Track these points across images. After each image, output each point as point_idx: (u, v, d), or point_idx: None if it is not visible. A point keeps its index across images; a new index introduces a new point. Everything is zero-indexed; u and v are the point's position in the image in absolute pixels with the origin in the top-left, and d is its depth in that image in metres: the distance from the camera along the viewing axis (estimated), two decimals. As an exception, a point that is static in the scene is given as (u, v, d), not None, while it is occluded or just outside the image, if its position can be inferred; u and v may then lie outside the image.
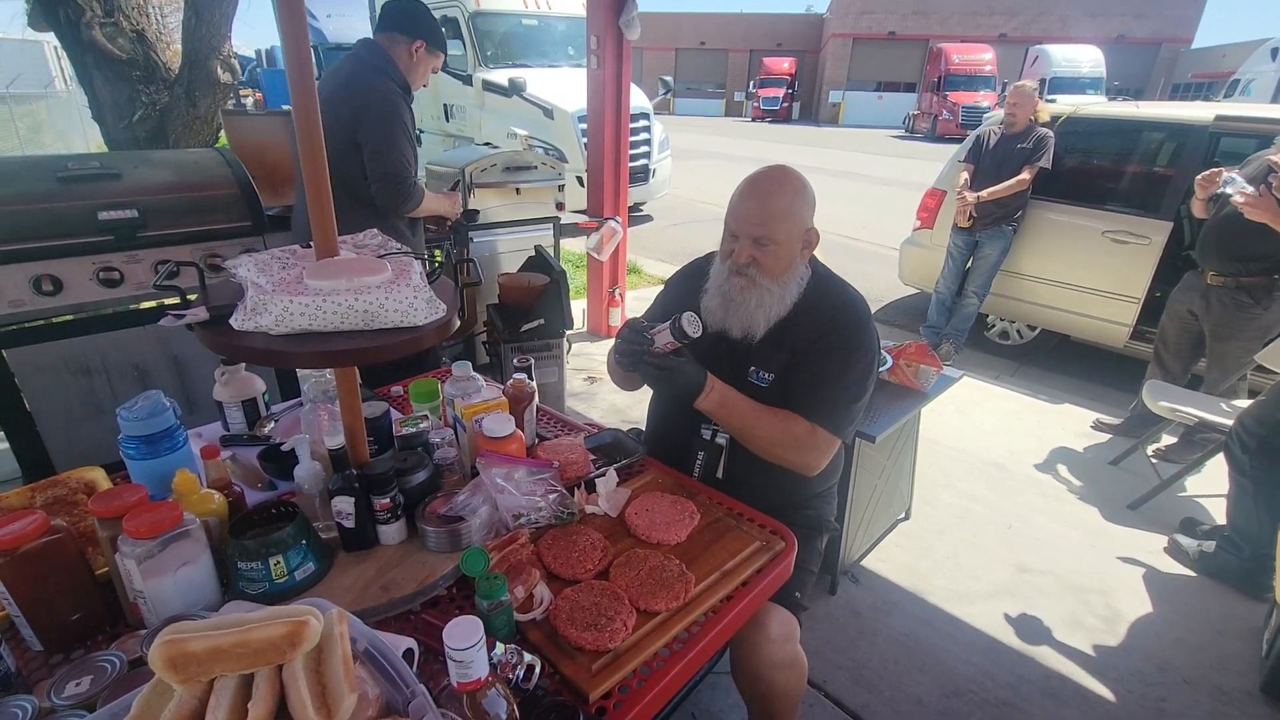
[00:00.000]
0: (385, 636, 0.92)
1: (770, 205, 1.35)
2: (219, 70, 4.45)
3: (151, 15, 4.77)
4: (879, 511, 2.32)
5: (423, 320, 0.94)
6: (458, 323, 1.01)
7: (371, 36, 2.29)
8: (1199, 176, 2.62)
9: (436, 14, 7.81)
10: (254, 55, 16.55)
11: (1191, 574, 2.32)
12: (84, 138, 9.69)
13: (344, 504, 1.09)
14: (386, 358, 0.90)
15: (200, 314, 0.90)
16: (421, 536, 1.15)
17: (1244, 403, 2.50)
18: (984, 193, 3.74)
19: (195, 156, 2.74)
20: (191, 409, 2.43)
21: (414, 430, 1.29)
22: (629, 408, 3.31)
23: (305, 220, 2.46)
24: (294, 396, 1.92)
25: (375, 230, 1.19)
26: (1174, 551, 2.41)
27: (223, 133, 3.64)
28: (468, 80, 7.60)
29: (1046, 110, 3.79)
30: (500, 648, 0.92)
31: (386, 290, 0.91)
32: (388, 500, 1.12)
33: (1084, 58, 20.25)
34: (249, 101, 13.68)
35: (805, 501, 1.55)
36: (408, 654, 0.91)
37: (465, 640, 0.68)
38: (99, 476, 1.33)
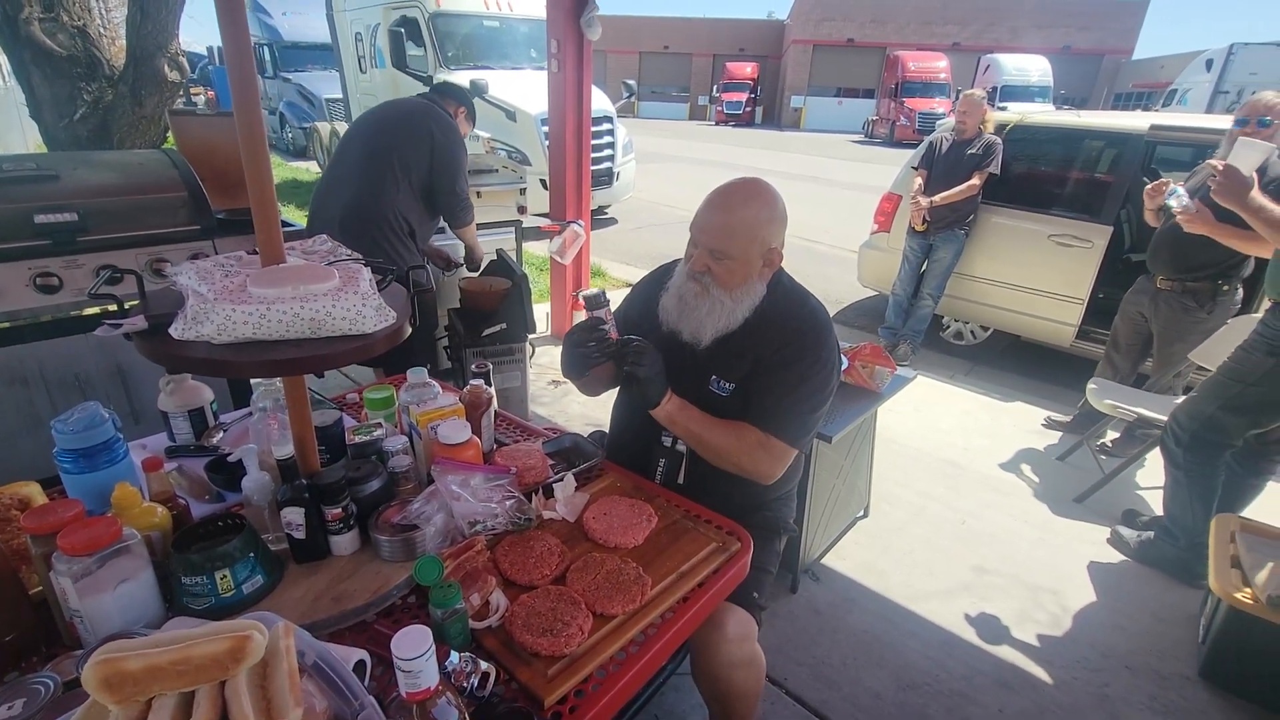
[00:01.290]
0: (336, 649, 0.91)
1: (730, 220, 1.35)
2: (166, 68, 4.30)
3: (95, 10, 4.60)
4: (838, 510, 2.37)
5: (372, 328, 0.93)
6: (409, 330, 1.01)
7: (433, 90, 2.88)
8: (1146, 188, 2.74)
9: (395, 13, 7.77)
10: (206, 53, 16.05)
11: (1132, 563, 2.43)
12: (23, 137, 9.27)
13: (294, 515, 1.07)
14: (334, 366, 0.89)
15: (138, 323, 0.88)
16: (375, 546, 1.13)
17: (1180, 399, 2.62)
18: (936, 198, 3.85)
19: (140, 158, 2.65)
20: (137, 419, 2.34)
21: (367, 438, 1.27)
22: (593, 411, 3.31)
23: (325, 216, 2.49)
24: (247, 405, 1.88)
25: (325, 236, 1.17)
26: (1116, 542, 2.52)
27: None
28: (428, 82, 7.48)
29: (992, 119, 3.92)
30: (455, 656, 0.91)
31: (333, 298, 0.90)
32: (339, 510, 1.10)
33: (1033, 67, 21.04)
34: (200, 100, 13.26)
35: (764, 504, 1.57)
36: (359, 666, 0.90)
37: (413, 650, 0.68)
38: (34, 492, 1.28)
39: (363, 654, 0.92)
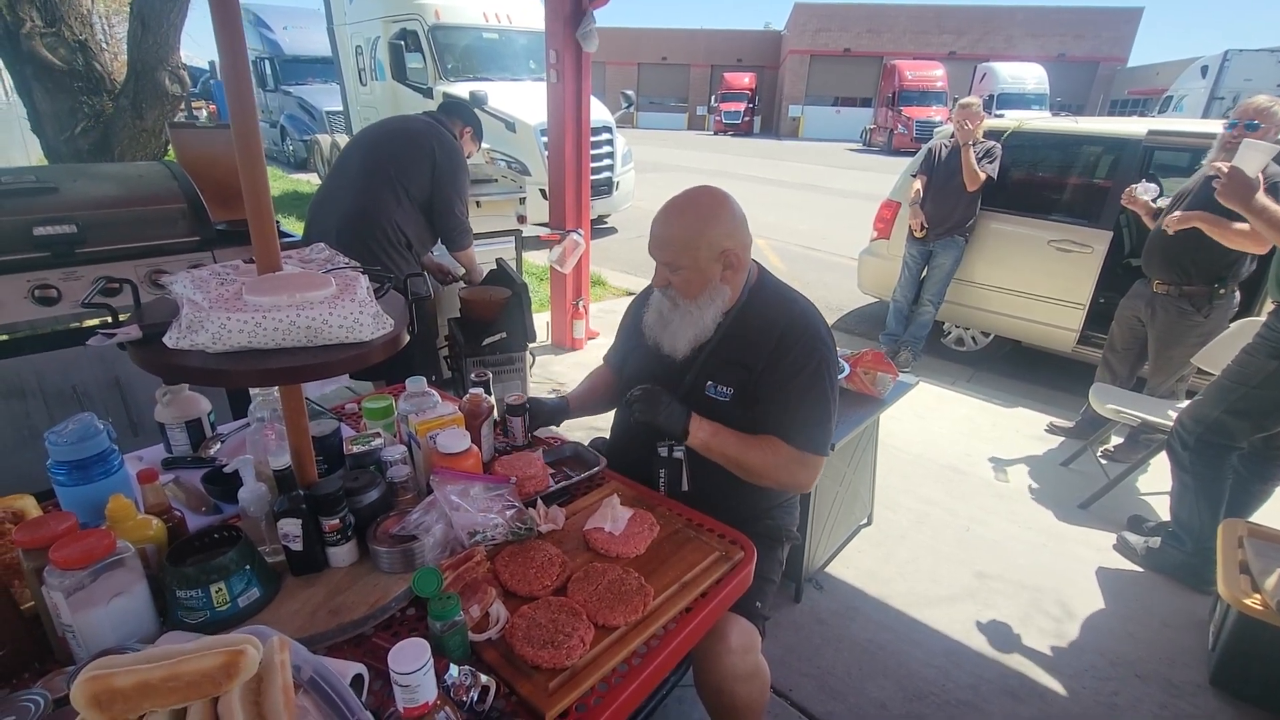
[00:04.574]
0: (333, 663, 0.89)
1: (670, 232, 1.38)
2: (167, 81, 4.32)
3: (96, 25, 4.63)
4: (841, 518, 2.35)
5: (369, 336, 0.92)
6: (406, 338, 1.00)
7: (439, 109, 2.86)
8: (1123, 197, 2.78)
9: (395, 26, 7.83)
10: (207, 67, 16.18)
11: (1139, 569, 2.40)
12: (25, 150, 9.31)
13: (290, 526, 1.05)
14: (331, 375, 0.88)
15: (132, 332, 0.87)
16: (373, 557, 1.12)
17: (1184, 403, 2.60)
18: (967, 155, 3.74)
19: (139, 170, 2.65)
20: (135, 431, 2.33)
21: (365, 448, 1.26)
22: (595, 419, 3.29)
23: (322, 226, 2.49)
24: (246, 416, 1.87)
25: (322, 245, 1.16)
26: (1122, 548, 2.49)
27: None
28: (428, 93, 7.56)
29: (982, 126, 3.92)
30: (455, 669, 0.90)
31: (330, 306, 0.89)
32: (337, 521, 1.09)
33: (1029, 75, 21.14)
34: (203, 114, 13.33)
35: (766, 512, 1.56)
36: (357, 680, 0.89)
37: (410, 664, 0.67)
38: (29, 505, 1.26)
39: (360, 668, 0.90)
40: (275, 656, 0.73)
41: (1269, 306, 2.13)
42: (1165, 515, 2.46)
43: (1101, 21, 26.97)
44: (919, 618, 2.15)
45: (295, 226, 6.48)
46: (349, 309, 0.90)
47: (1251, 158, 2.01)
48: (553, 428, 1.70)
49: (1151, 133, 3.55)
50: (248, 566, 1.01)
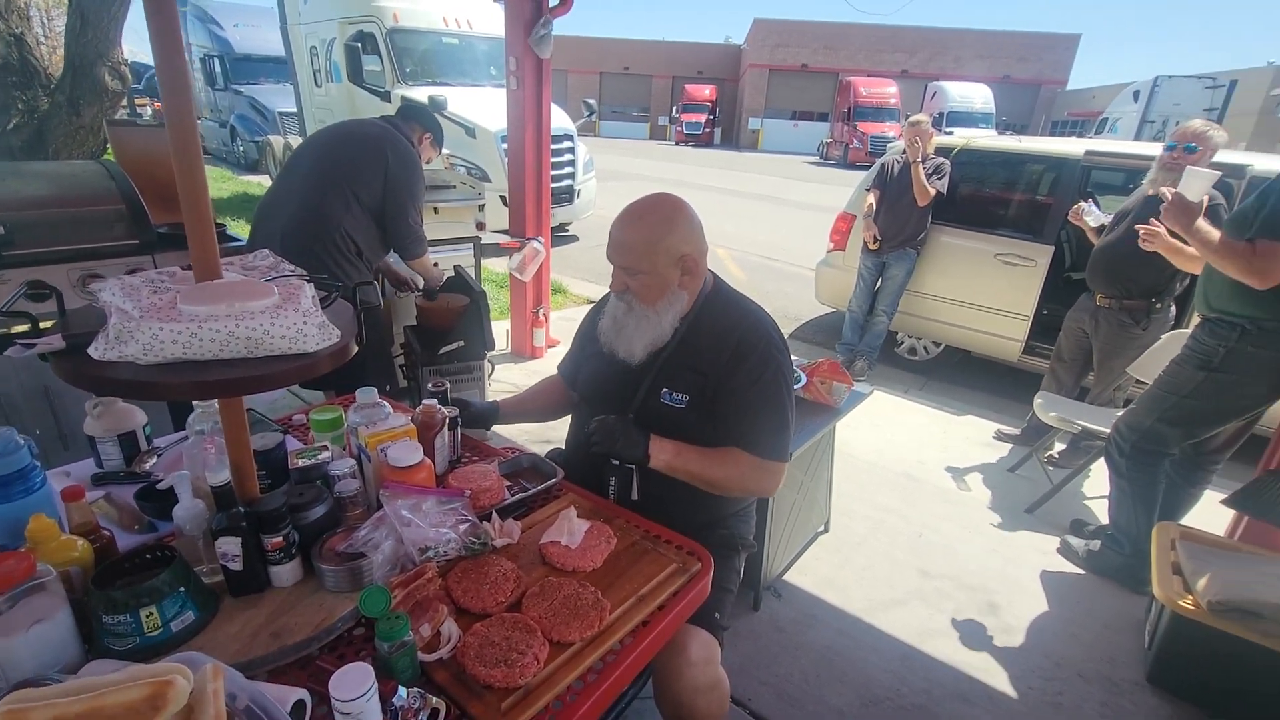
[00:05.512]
0: (274, 689, 0.86)
1: (630, 237, 1.38)
2: (107, 77, 4.14)
3: (34, 18, 4.42)
4: (798, 526, 2.37)
5: (314, 347, 0.88)
6: (355, 349, 0.96)
7: (397, 114, 2.75)
8: (1068, 213, 2.93)
9: (352, 27, 7.68)
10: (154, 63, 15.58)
11: (1081, 572, 2.50)
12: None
13: (229, 545, 1.01)
14: (273, 387, 0.84)
15: (54, 342, 0.82)
16: (319, 576, 1.07)
17: (1122, 411, 2.73)
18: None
19: (74, 168, 2.53)
20: (66, 445, 2.21)
21: (312, 462, 1.21)
22: (555, 431, 3.26)
23: (267, 232, 2.38)
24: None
25: (267, 251, 1.12)
26: (1065, 551, 2.58)
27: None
28: (386, 96, 7.43)
29: (932, 143, 4.06)
30: (403, 691, 0.87)
31: (272, 315, 0.85)
32: (280, 539, 1.04)
33: (976, 95, 22.04)
34: (147, 111, 12.81)
35: (722, 520, 1.56)
36: (298, 707, 0.85)
37: (352, 691, 0.64)
38: (-60, 526, 1.18)
39: (302, 694, 0.86)
40: (208, 685, 0.69)
41: (1195, 320, 2.25)
42: (1105, 519, 2.56)
43: (1043, 45, 28.38)
44: (875, 623, 2.19)
45: (246, 230, 6.27)
46: (292, 319, 0.87)
47: (1194, 184, 2.13)
48: (513, 438, 1.68)
49: (1088, 153, 3.73)
50: (182, 588, 0.96)
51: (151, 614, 0.93)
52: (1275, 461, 2.12)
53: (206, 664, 0.73)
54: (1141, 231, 2.57)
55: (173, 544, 1.06)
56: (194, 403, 1.35)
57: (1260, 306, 2.00)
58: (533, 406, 1.73)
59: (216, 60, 12.65)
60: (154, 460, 1.42)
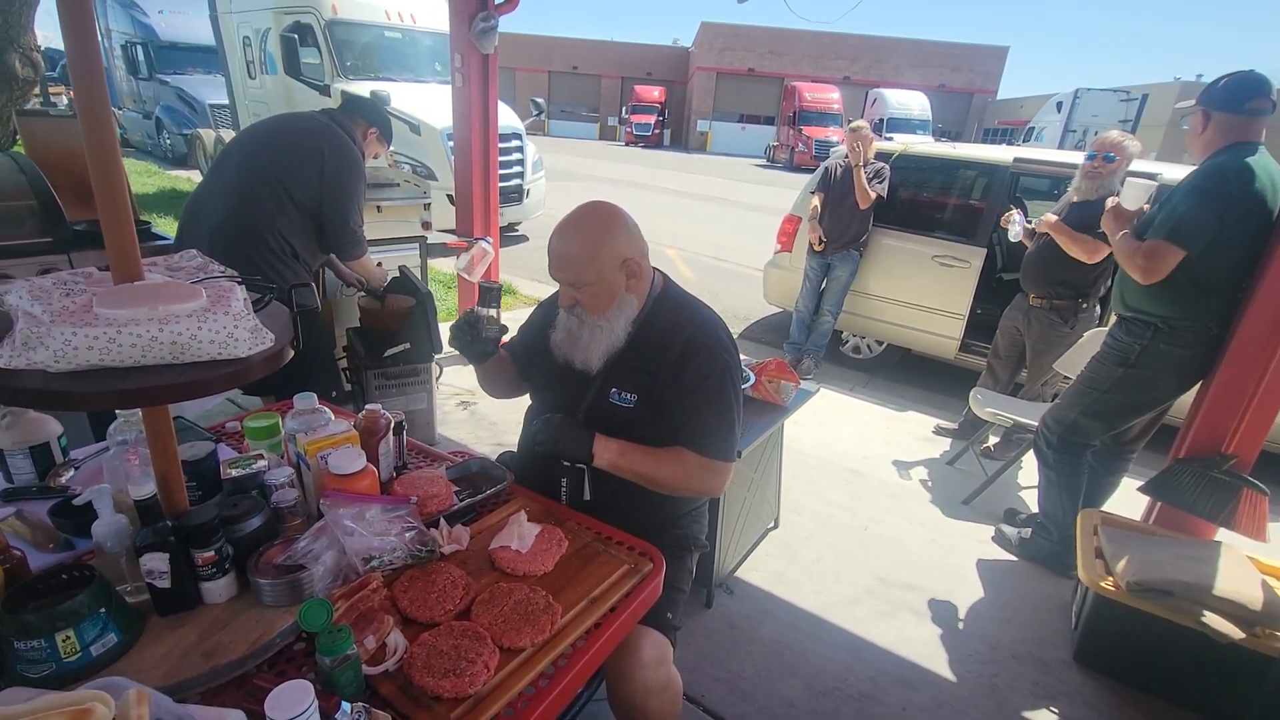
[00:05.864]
0: (206, 711, 0.82)
1: (569, 250, 1.37)
2: (18, 64, 3.86)
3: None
4: (749, 523, 2.41)
5: (245, 352, 0.84)
6: (290, 353, 0.93)
7: (339, 108, 2.64)
8: (1000, 220, 3.10)
9: (287, 18, 7.38)
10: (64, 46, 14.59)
11: (1014, 559, 2.62)
12: None
13: (156, 561, 0.95)
14: (201, 395, 0.80)
15: (-47, 349, 0.75)
16: (255, 591, 1.03)
17: (1049, 405, 2.87)
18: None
19: (-23, 161, 2.35)
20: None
21: (246, 471, 1.16)
22: (506, 431, 3.22)
23: (195, 233, 2.25)
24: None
25: (194, 251, 1.06)
26: (999, 539, 2.71)
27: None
28: (325, 90, 7.17)
29: (873, 148, 4.19)
30: (347, 707, 0.84)
31: (199, 319, 0.81)
32: (212, 553, 0.99)
33: (914, 103, 22.89)
34: (63, 100, 11.99)
35: (674, 520, 1.57)
36: (233, 728, 0.81)
37: (290, 709, 0.61)
38: None
39: (239, 715, 0.82)
40: (131, 711, 0.65)
41: (1112, 319, 2.40)
42: (1036, 508, 2.69)
43: (975, 56, 29.73)
44: (824, 616, 2.24)
45: (174, 229, 5.95)
46: (222, 322, 0.82)
47: (1133, 195, 2.28)
48: (464, 442, 1.64)
49: (1017, 160, 3.93)
50: (102, 609, 0.91)
51: (69, 638, 0.87)
52: (1184, 450, 2.27)
53: (130, 689, 0.69)
54: (1039, 220, 2.77)
55: (92, 563, 1.00)
56: (116, 411, 1.28)
57: (1171, 306, 2.15)
58: (502, 379, 1.67)
59: (140, 47, 11.95)
60: (71, 473, 1.33)
